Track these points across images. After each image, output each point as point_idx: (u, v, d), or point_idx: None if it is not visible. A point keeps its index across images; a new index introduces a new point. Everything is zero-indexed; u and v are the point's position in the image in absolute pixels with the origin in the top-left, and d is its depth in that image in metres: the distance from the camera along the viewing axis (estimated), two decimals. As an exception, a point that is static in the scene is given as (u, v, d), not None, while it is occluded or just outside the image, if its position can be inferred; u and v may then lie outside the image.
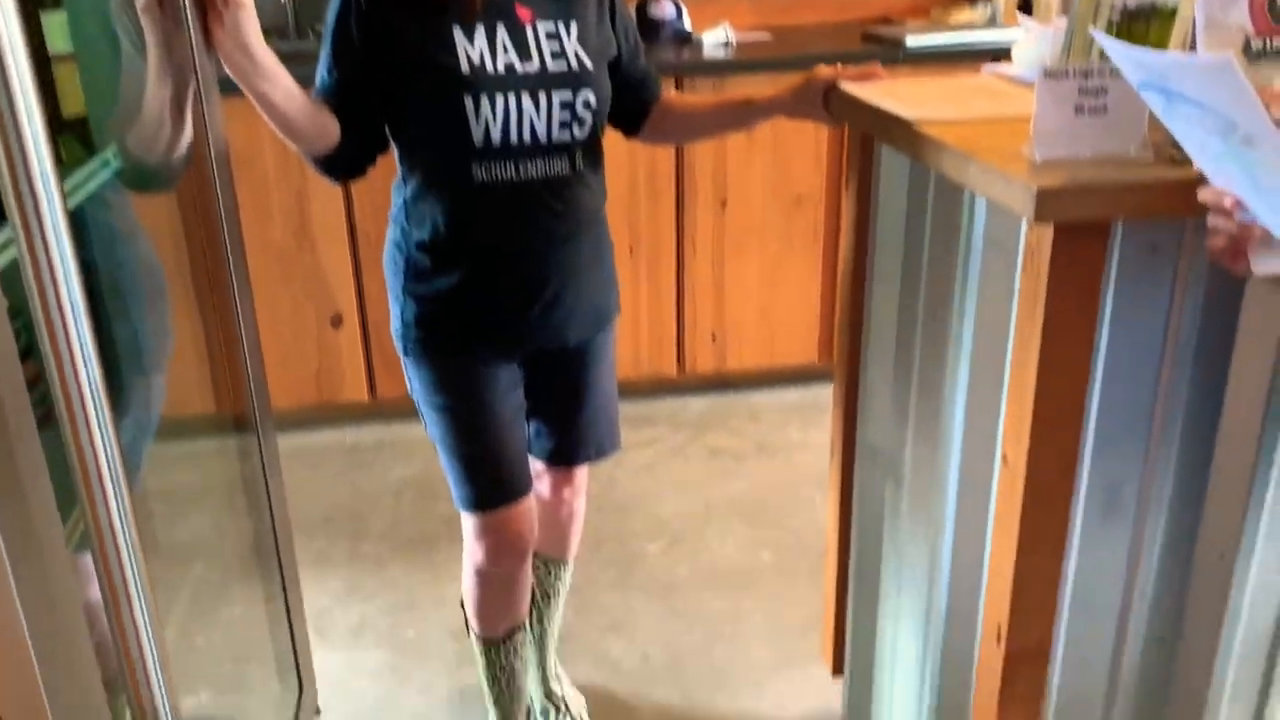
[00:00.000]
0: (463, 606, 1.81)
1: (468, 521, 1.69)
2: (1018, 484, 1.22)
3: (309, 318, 3.01)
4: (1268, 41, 1.10)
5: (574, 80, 1.51)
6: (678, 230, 3.10)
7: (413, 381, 1.65)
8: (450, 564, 2.50)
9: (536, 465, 1.84)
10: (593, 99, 1.53)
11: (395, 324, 1.63)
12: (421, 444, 3.07)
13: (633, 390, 3.21)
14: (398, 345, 1.64)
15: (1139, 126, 1.14)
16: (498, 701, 1.86)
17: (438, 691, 2.10)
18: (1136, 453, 1.25)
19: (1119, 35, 1.21)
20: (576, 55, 1.52)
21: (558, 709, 2.00)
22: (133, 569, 0.72)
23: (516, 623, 1.80)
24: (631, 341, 3.17)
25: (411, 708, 2.07)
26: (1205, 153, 0.90)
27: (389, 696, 2.10)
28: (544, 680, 2.02)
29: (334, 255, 2.96)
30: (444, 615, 2.33)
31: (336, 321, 3.02)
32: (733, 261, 3.15)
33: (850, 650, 1.85)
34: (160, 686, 0.70)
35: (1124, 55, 0.88)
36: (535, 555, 1.94)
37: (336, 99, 1.48)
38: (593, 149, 1.59)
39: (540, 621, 1.99)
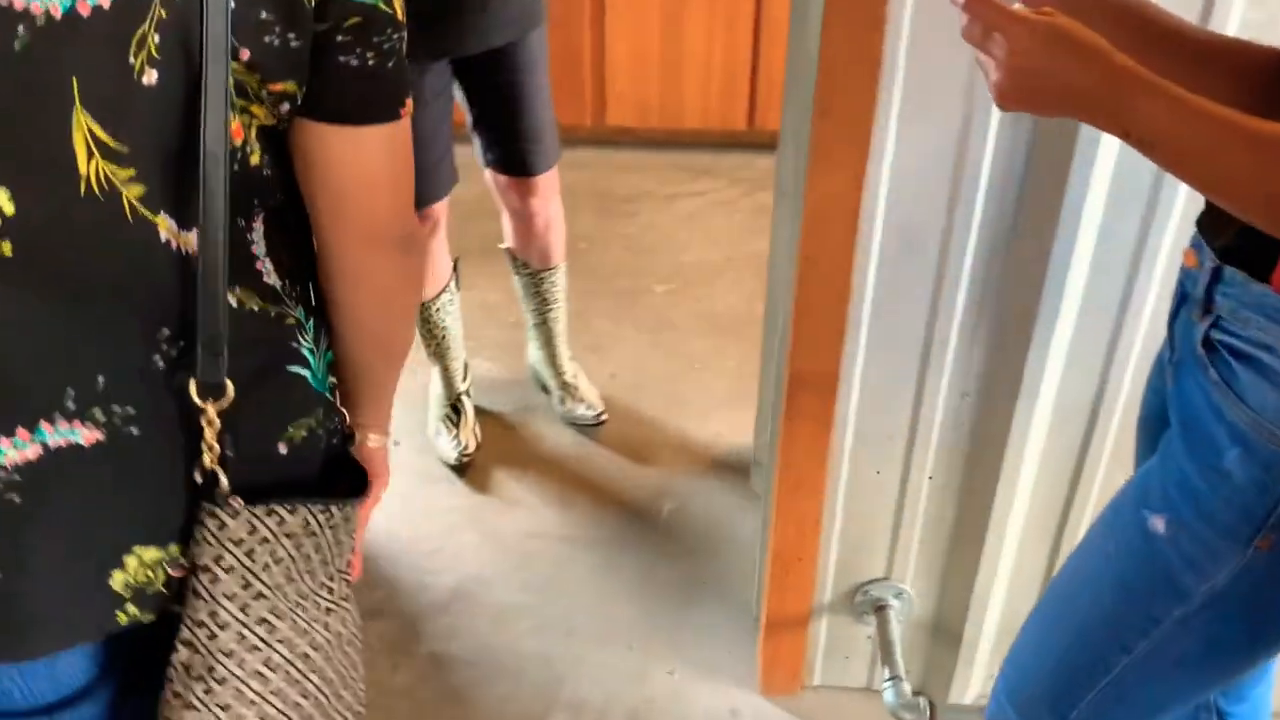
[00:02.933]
0: None
1: None
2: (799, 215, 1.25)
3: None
4: None
5: None
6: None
7: None
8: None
9: (500, 179, 1.95)
10: None
11: None
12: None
13: (699, 141, 3.23)
14: None
15: None
16: (434, 354, 2.11)
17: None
18: (938, 200, 1.24)
19: None
20: None
21: (572, 397, 2.19)
22: None
23: (438, 288, 1.99)
24: (701, 91, 3.15)
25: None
26: None
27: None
28: (557, 374, 2.21)
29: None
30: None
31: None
32: (815, 15, 3.03)
33: (760, 387, 1.94)
34: None
35: None
36: (523, 267, 2.10)
37: None
38: None
39: (544, 324, 2.17)
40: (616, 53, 3.09)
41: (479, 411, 2.20)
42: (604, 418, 2.19)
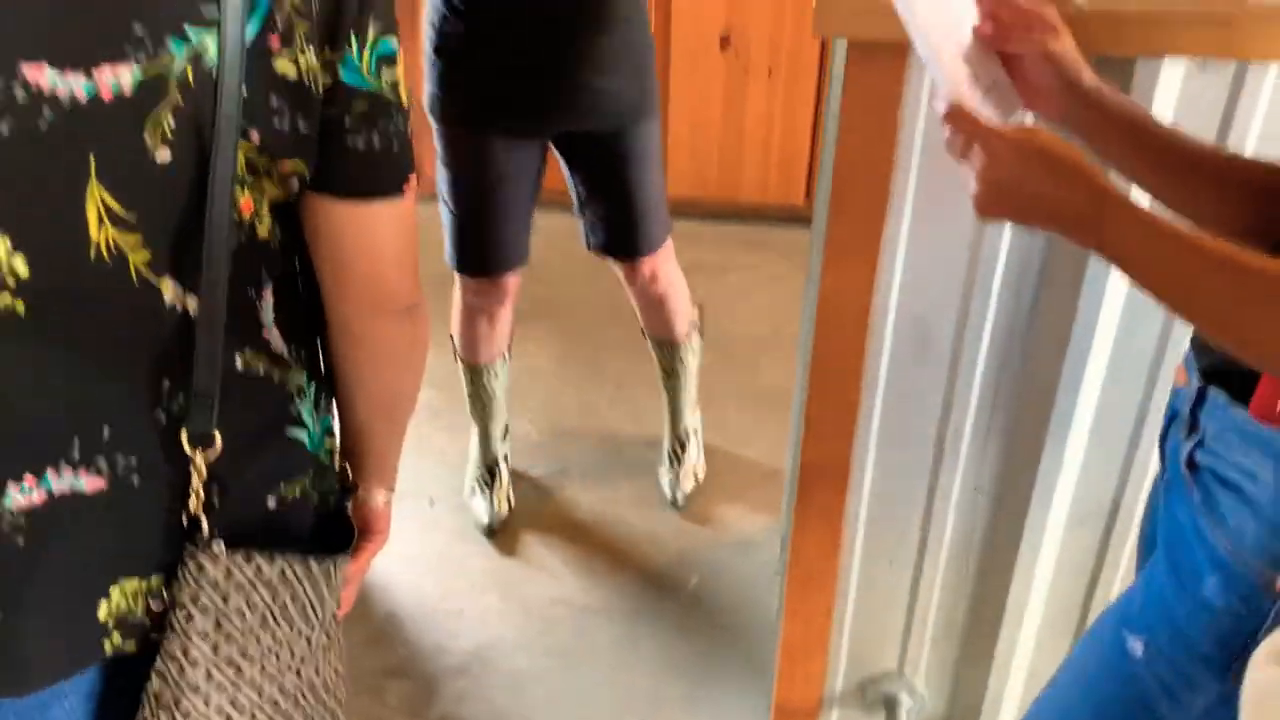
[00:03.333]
0: (452, 339, 2.06)
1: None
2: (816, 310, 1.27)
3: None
4: None
5: None
6: (821, 51, 3.02)
7: (437, 141, 1.85)
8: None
9: (609, 259, 2.00)
10: None
11: (426, 89, 1.81)
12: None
13: (757, 215, 3.26)
14: (428, 111, 1.83)
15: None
16: (477, 416, 2.15)
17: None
18: (952, 298, 1.24)
19: None
20: None
21: (669, 469, 2.22)
22: None
23: (494, 355, 2.06)
24: (761, 166, 3.19)
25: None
26: None
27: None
28: (670, 442, 2.23)
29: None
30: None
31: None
32: (875, 97, 3.06)
33: (788, 463, 1.94)
34: None
35: None
36: (649, 338, 2.14)
37: None
38: None
39: (665, 390, 2.20)
40: (679, 127, 3.15)
41: (513, 474, 2.24)
42: (680, 505, 2.19)
